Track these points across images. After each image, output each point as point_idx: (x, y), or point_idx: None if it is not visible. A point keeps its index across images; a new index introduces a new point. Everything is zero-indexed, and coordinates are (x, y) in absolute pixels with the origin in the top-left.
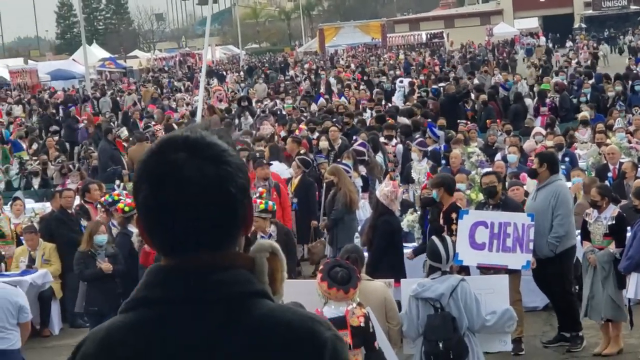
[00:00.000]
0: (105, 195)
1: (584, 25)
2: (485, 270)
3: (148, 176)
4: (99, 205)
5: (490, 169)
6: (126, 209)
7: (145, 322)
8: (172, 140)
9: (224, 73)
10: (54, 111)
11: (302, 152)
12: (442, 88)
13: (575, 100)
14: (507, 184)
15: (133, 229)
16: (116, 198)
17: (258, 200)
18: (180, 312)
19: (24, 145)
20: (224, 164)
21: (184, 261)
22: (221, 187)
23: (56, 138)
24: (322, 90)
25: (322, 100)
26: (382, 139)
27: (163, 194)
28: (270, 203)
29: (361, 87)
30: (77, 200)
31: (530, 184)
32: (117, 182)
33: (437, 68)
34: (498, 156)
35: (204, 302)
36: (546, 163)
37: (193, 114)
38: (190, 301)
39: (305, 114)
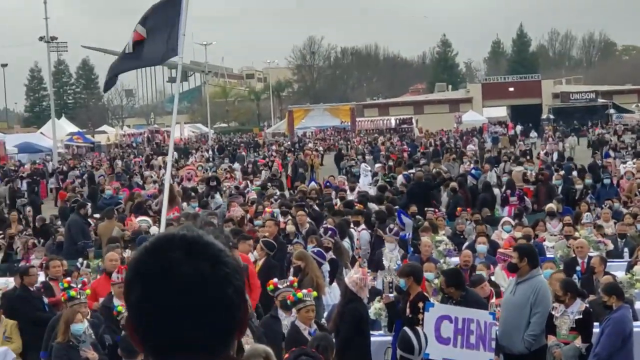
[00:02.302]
0: (66, 274)
1: (551, 117)
2: None
3: (142, 276)
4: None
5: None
6: (71, 293)
7: None
8: (168, 239)
9: (192, 151)
10: (19, 186)
11: (266, 235)
12: (412, 174)
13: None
14: (471, 278)
15: None
16: (66, 285)
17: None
18: None
19: None
20: (222, 265)
21: None
22: (219, 289)
23: (28, 210)
24: (289, 173)
25: (313, 184)
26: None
27: (158, 295)
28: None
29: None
30: (42, 277)
31: (499, 276)
32: (80, 259)
33: (405, 154)
34: (465, 245)
35: None
36: (527, 257)
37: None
38: None
39: (275, 197)
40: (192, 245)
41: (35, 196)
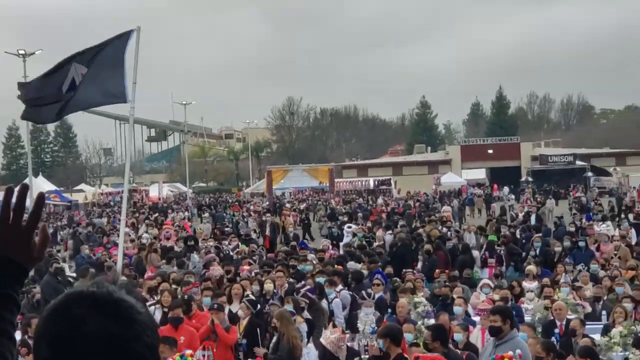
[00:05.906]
0: None
1: (530, 179)
2: None
3: (48, 334)
4: None
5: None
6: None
7: None
8: (76, 296)
9: (169, 210)
10: None
11: (247, 294)
12: (393, 235)
13: (523, 254)
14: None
15: None
16: None
17: None
18: None
19: None
20: (131, 322)
21: None
22: (125, 346)
23: None
24: (268, 232)
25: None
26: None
27: (65, 355)
28: None
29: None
30: (19, 335)
31: (475, 337)
32: None
33: (384, 215)
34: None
35: None
36: (509, 319)
37: (140, 250)
38: None
39: (254, 257)
40: (100, 302)
41: None
